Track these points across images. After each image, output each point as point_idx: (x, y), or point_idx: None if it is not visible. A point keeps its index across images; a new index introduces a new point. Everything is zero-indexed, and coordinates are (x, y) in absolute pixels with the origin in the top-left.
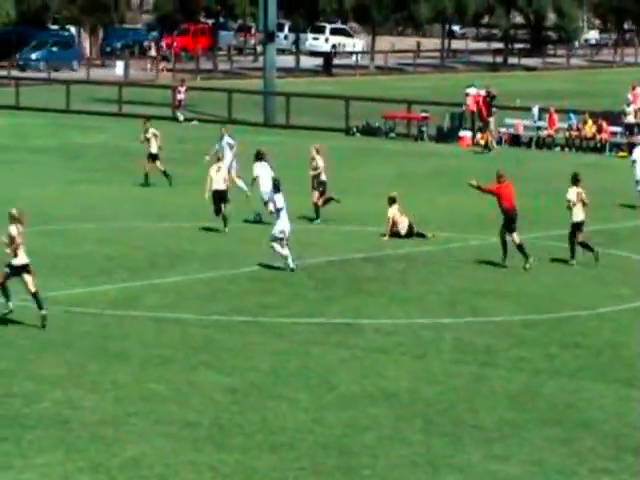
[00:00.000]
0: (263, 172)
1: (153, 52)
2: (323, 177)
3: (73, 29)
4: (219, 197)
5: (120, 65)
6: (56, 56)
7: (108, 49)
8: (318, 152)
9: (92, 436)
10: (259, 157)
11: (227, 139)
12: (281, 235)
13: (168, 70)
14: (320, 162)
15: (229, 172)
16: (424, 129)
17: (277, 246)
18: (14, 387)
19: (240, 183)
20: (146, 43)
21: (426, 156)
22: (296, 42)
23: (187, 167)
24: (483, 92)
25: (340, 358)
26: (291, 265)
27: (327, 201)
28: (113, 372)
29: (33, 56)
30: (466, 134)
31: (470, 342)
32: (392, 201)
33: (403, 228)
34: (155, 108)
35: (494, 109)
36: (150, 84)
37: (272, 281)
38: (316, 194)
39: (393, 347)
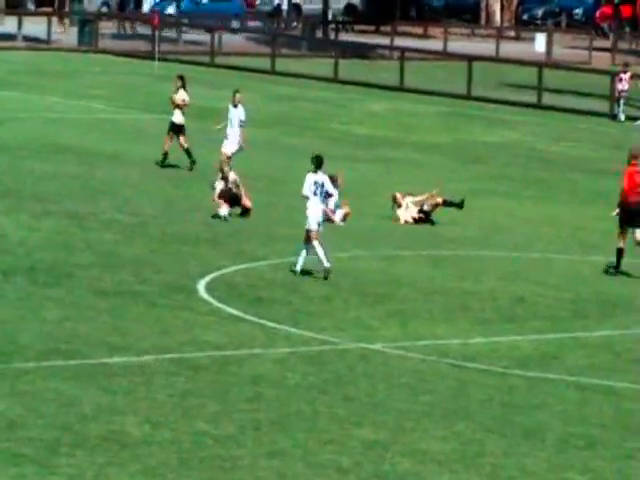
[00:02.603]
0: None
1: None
2: None
3: None
4: None
5: (541, 39)
6: (205, 10)
7: (525, 17)
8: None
9: None
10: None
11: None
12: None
13: (606, 50)
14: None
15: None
16: None
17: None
18: (385, 464)
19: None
20: (576, 11)
21: None
22: None
23: None
24: None
25: None
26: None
27: None
28: (520, 454)
29: (170, 10)
30: None
31: None
32: None
33: None
34: (587, 100)
35: None
36: (581, 67)
37: None
38: None
39: None
